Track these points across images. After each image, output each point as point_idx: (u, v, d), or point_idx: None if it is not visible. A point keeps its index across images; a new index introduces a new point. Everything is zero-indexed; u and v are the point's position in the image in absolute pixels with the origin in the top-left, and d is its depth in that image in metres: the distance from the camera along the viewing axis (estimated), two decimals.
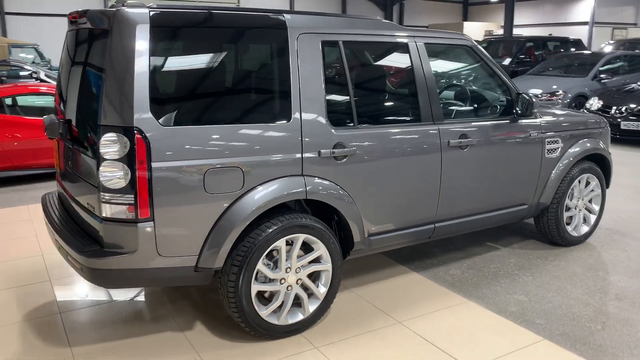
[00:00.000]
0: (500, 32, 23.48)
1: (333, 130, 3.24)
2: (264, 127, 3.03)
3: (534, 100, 4.06)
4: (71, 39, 3.42)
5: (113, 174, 2.71)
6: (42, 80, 9.96)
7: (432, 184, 3.71)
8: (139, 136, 2.67)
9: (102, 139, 2.70)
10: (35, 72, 10.04)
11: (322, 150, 3.19)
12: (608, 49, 19.54)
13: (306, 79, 3.16)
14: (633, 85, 10.86)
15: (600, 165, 4.88)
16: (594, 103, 10.44)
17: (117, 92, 2.69)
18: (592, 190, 4.85)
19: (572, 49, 16.88)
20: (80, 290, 3.91)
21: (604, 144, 4.82)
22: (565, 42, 17.34)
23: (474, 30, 23.75)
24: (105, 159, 2.71)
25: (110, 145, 2.70)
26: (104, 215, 2.77)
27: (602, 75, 12.01)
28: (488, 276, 4.19)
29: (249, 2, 21.31)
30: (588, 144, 4.65)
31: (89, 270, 2.79)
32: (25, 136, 6.90)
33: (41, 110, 7.57)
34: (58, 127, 3.33)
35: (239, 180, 2.94)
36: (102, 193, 2.75)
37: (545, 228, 4.71)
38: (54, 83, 9.90)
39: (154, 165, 2.72)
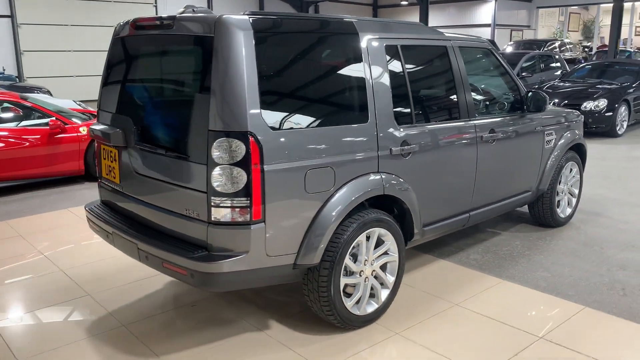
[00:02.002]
0: None
1: (400, 129, 3.46)
2: (349, 128, 3.18)
3: (546, 96, 4.53)
4: (139, 45, 3.35)
5: (226, 178, 2.75)
6: None
7: (470, 175, 4.05)
8: (253, 140, 2.73)
9: (215, 144, 2.73)
10: None
11: (393, 148, 3.40)
12: (509, 49, 21.29)
13: (377, 81, 3.35)
14: (554, 82, 12.01)
15: (578, 153, 5.48)
16: None
17: (228, 98, 2.72)
18: (574, 176, 5.45)
19: None
20: (128, 301, 3.81)
21: (579, 133, 5.43)
22: None
23: None
24: (218, 164, 2.74)
25: (222, 150, 2.73)
26: (214, 219, 2.80)
27: (523, 74, 13.14)
28: (505, 258, 4.60)
29: (166, 3, 20.73)
30: (569, 135, 5.22)
31: (201, 275, 2.80)
32: None
33: None
34: (123, 135, 3.27)
35: (331, 179, 3.08)
36: (212, 197, 2.77)
37: (539, 212, 5.21)
38: (2, 90, 9.12)
39: (265, 167, 2.79)
